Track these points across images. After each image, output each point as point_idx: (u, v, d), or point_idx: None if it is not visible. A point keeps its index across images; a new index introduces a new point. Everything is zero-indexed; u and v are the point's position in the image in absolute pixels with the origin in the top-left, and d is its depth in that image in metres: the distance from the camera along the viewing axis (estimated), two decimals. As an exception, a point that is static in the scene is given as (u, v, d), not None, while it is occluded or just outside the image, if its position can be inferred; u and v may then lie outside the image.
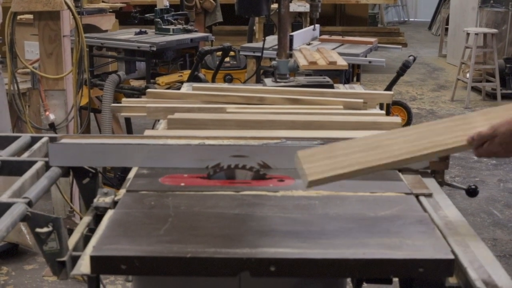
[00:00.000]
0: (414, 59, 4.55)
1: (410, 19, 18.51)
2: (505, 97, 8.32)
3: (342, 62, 3.82)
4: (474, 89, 8.58)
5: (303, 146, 2.04)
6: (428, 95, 8.84)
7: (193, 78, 4.55)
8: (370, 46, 5.08)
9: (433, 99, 8.62)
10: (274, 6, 3.24)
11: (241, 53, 5.48)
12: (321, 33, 5.69)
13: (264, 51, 3.88)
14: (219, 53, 5.22)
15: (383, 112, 2.69)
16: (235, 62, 6.85)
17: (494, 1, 8.99)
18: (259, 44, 5.42)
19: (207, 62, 6.60)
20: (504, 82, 8.42)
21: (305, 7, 8.21)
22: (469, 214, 4.79)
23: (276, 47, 3.34)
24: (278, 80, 3.26)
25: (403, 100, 7.47)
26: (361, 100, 2.71)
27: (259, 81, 4.87)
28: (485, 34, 8.48)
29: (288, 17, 3.29)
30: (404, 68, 4.41)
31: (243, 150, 2.01)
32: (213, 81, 5.03)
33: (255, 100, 2.74)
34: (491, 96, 8.56)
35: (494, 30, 8.45)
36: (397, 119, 2.47)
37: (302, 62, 3.91)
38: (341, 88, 3.30)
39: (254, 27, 7.81)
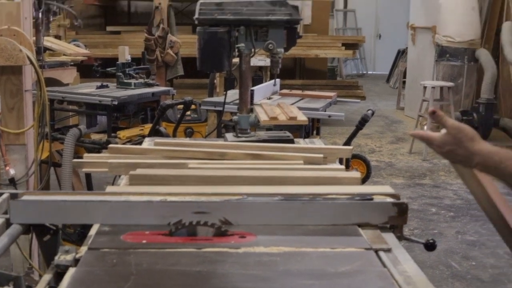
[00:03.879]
0: (373, 113, 4.63)
1: (369, 72, 18.83)
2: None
3: (302, 118, 3.89)
4: (431, 141, 8.72)
5: (264, 202, 2.07)
6: (386, 148, 8.97)
7: (154, 132, 4.57)
8: (330, 100, 5.17)
9: (392, 151, 8.74)
10: (235, 60, 3.29)
11: (202, 107, 5.52)
12: (281, 86, 5.76)
13: (226, 105, 3.92)
14: (181, 106, 5.26)
15: (343, 167, 2.73)
16: (196, 115, 6.89)
17: (450, 55, 9.21)
18: (220, 98, 5.47)
19: (168, 115, 6.63)
20: (462, 134, 8.56)
21: (265, 62, 8.33)
22: (428, 266, 4.84)
23: (237, 101, 3.39)
24: (239, 135, 3.29)
25: (362, 152, 7.58)
26: (321, 155, 2.75)
27: (220, 135, 4.91)
28: (441, 87, 8.67)
29: (249, 72, 3.34)
30: (363, 122, 4.48)
31: (205, 207, 2.03)
32: (174, 134, 5.05)
33: (216, 156, 2.77)
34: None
35: (450, 84, 8.65)
36: (356, 174, 2.51)
37: (263, 117, 3.96)
38: (301, 142, 3.34)
39: (215, 81, 7.88)
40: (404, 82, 12.37)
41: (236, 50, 3.28)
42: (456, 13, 9.09)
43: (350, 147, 2.93)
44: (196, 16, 3.22)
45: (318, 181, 2.45)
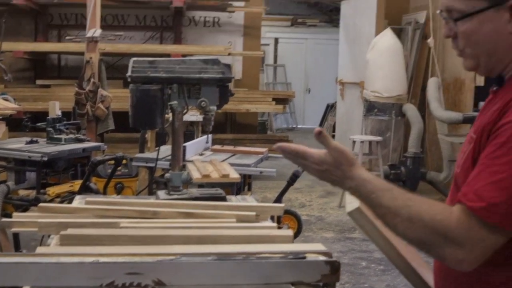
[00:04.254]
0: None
1: (298, 126, 19.06)
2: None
3: (234, 175, 3.91)
4: (361, 195, 8.84)
5: (198, 262, 2.07)
6: (317, 202, 9.05)
7: (85, 188, 4.52)
8: (261, 156, 5.22)
9: (322, 205, 8.82)
10: (168, 116, 3.31)
11: (134, 163, 5.49)
12: (213, 141, 5.80)
13: (157, 161, 3.92)
14: (111, 161, 5.22)
15: (275, 225, 2.75)
16: (126, 170, 6.84)
17: (378, 110, 9.42)
18: (152, 154, 5.46)
19: (99, 170, 6.55)
20: (389, 188, 8.74)
21: (197, 117, 8.36)
22: (360, 320, 4.88)
23: (169, 157, 3.39)
24: (171, 192, 3.29)
25: (293, 207, 7.62)
26: (254, 213, 2.77)
27: (152, 191, 4.88)
28: (370, 142, 8.84)
29: (182, 129, 3.36)
30: (294, 178, 4.54)
31: (138, 267, 2.01)
32: (105, 190, 5.01)
33: (149, 214, 2.76)
34: (377, 202, 8.82)
35: (378, 138, 8.83)
36: (289, 232, 2.53)
37: (195, 174, 3.97)
38: (233, 199, 3.36)
39: (146, 136, 7.86)
40: (333, 136, 12.56)
41: (169, 107, 3.31)
42: (383, 69, 9.34)
43: (282, 205, 2.96)
44: (129, 73, 3.24)
45: (251, 239, 2.46)
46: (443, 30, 1.80)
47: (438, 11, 1.81)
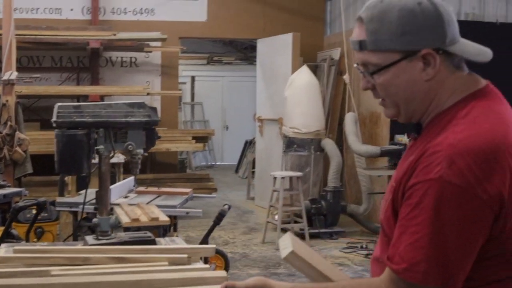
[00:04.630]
0: (229, 208, 4.72)
1: (217, 163, 19.09)
2: (313, 236, 8.72)
3: (164, 218, 3.91)
4: (283, 230, 8.91)
5: (135, 308, 2.06)
6: (240, 238, 9.07)
7: (6, 235, 4.43)
8: (186, 197, 5.22)
9: (245, 242, 8.85)
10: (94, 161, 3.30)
11: (57, 208, 5.40)
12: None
13: (80, 206, 3.88)
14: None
15: (208, 266, 2.77)
16: (46, 214, 6.70)
17: (298, 146, 9.55)
18: (75, 198, 5.38)
19: (18, 215, 6.42)
20: (311, 222, 8.85)
21: (118, 158, 8.29)
22: None
23: (93, 201, 3.37)
24: (99, 237, 3.26)
25: (216, 245, 7.60)
26: (186, 256, 2.78)
27: (76, 236, 4.82)
28: (291, 177, 8.94)
29: (108, 174, 3.35)
30: (220, 217, 4.57)
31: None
32: (27, 236, 4.91)
33: (79, 261, 2.73)
34: (300, 236, 8.91)
35: (299, 173, 8.94)
36: (222, 273, 2.56)
37: (124, 219, 3.95)
38: (162, 242, 3.36)
39: (66, 179, 7.75)
40: (253, 172, 12.63)
41: (95, 151, 3.30)
42: (301, 106, 9.49)
43: (213, 246, 2.98)
44: (54, 119, 3.22)
45: (184, 282, 2.48)
46: (361, 82, 1.87)
47: (355, 65, 1.87)
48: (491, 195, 1.60)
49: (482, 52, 1.77)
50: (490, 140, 1.63)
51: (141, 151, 3.39)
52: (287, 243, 1.89)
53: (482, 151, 1.61)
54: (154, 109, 3.40)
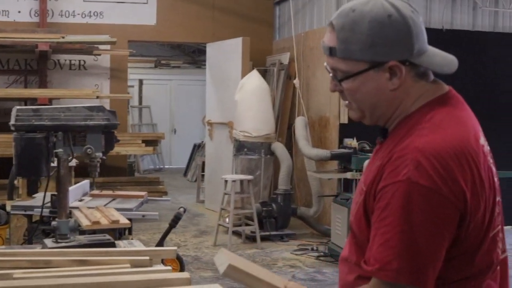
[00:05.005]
0: (185, 211, 4.75)
1: (166, 166, 19.03)
2: (264, 239, 8.79)
3: (124, 221, 3.92)
4: (234, 233, 8.97)
5: (103, 309, 2.09)
6: (191, 241, 9.09)
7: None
8: (142, 200, 5.23)
9: (197, 245, 8.87)
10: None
11: (12, 212, 5.35)
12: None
13: (36, 209, 3.87)
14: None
15: (170, 268, 2.79)
16: (-6, 218, 6.64)
17: (248, 149, 9.61)
18: (28, 202, 5.33)
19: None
20: (262, 224, 8.92)
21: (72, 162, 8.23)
22: None
23: (48, 204, 3.37)
24: (59, 240, 3.26)
25: (169, 248, 7.60)
26: (147, 258, 2.80)
27: (31, 240, 4.77)
28: (242, 181, 8.99)
29: (67, 177, 3.36)
30: (176, 220, 4.59)
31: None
32: (-21, 241, 4.85)
33: (41, 264, 2.73)
34: (251, 239, 8.99)
35: (250, 177, 9.00)
36: (185, 274, 2.59)
37: (84, 222, 3.95)
38: (121, 245, 3.38)
39: (16, 182, 7.65)
40: (203, 176, 12.65)
41: (54, 155, 3.30)
42: (251, 110, 9.55)
43: (174, 248, 3.01)
44: (13, 122, 3.21)
45: (149, 284, 2.50)
46: (330, 85, 1.93)
47: (325, 64, 1.93)
48: (456, 195, 1.68)
49: (448, 63, 1.84)
50: (454, 144, 1.72)
51: (100, 154, 3.41)
52: (222, 259, 1.90)
53: (446, 154, 1.69)
54: (113, 113, 3.42)
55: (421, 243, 1.67)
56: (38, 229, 4.90)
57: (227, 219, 9.05)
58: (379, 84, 1.82)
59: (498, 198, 1.81)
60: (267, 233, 8.92)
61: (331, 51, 1.85)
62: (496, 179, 1.82)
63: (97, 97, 10.36)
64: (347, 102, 1.92)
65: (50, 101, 10.20)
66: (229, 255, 1.94)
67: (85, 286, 2.44)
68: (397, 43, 1.78)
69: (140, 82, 18.94)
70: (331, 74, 1.89)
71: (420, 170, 1.67)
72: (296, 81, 10.10)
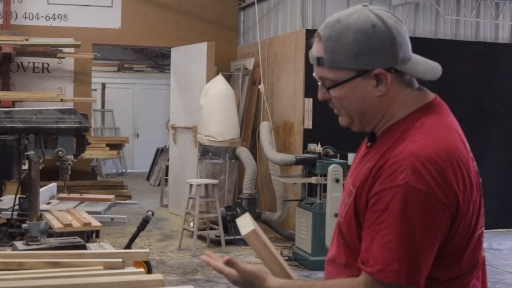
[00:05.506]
0: (153, 214, 4.76)
1: (128, 170, 18.93)
2: (229, 243, 8.82)
3: (96, 223, 3.93)
4: (199, 237, 8.98)
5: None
6: (156, 245, 9.07)
7: None
8: (109, 203, 5.23)
9: (161, 249, 8.86)
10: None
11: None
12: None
13: (3, 212, 3.87)
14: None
15: (143, 270, 2.82)
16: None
17: (213, 154, 9.63)
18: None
19: None
20: (226, 228, 8.95)
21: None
22: None
23: (16, 207, 3.37)
24: (30, 242, 3.26)
25: (134, 252, 7.58)
26: (120, 260, 2.82)
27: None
28: (206, 185, 9.01)
29: (38, 179, 3.36)
30: (145, 223, 4.60)
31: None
32: None
33: (14, 266, 2.74)
34: (215, 243, 9.01)
35: (215, 181, 9.02)
36: (159, 276, 2.62)
37: (56, 224, 3.95)
38: (91, 247, 3.39)
39: (-21, 185, 7.59)
40: (166, 180, 12.62)
41: (26, 157, 3.30)
42: (216, 114, 9.58)
43: (147, 250, 3.03)
44: (-16, 124, 3.20)
45: (123, 285, 2.52)
46: (318, 93, 1.99)
47: (313, 74, 1.99)
48: (450, 199, 1.76)
49: (431, 70, 1.92)
50: (446, 149, 1.80)
51: (71, 157, 3.42)
52: (247, 222, 1.99)
53: (440, 159, 1.77)
54: (84, 116, 3.43)
55: (418, 244, 1.74)
56: (1, 232, 4.88)
57: (191, 223, 9.06)
58: (366, 91, 1.89)
59: (482, 200, 1.89)
60: (232, 237, 8.95)
61: (319, 61, 1.91)
62: (480, 180, 1.90)
63: (61, 100, 10.29)
64: (336, 109, 1.98)
65: (13, 103, 10.13)
66: (253, 221, 2.00)
67: (60, 287, 2.46)
68: (382, 52, 1.85)
69: (103, 85, 18.83)
70: (319, 83, 1.95)
71: (417, 175, 1.75)
72: (261, 86, 10.16)
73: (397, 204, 1.74)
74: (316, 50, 1.93)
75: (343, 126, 2.02)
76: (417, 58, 1.92)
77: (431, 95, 1.96)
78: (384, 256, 1.75)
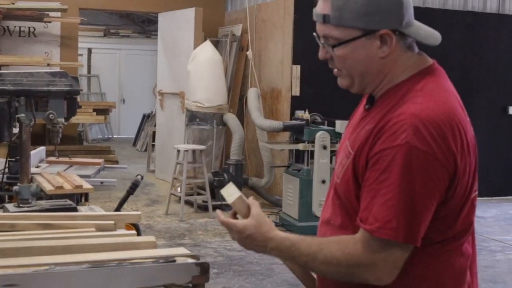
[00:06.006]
0: (142, 178, 4.78)
1: (114, 136, 18.91)
2: (216, 208, 8.83)
3: (87, 186, 3.94)
4: (186, 202, 9.02)
5: (74, 271, 2.13)
6: (143, 210, 9.10)
7: None
8: (99, 167, 5.24)
9: (149, 214, 8.90)
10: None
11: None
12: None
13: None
14: None
15: (135, 232, 2.84)
16: None
17: (200, 120, 9.63)
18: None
19: None
20: (213, 194, 8.98)
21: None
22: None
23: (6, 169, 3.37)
24: (21, 205, 3.28)
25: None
26: (112, 222, 2.84)
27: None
28: (194, 151, 9.03)
29: (29, 142, 3.36)
30: (134, 187, 4.62)
31: (14, 279, 2.05)
32: None
33: (6, 227, 2.75)
34: (202, 208, 9.06)
35: (202, 147, 9.04)
36: (151, 238, 2.64)
37: (47, 186, 3.95)
38: (82, 210, 3.41)
39: (-34, 149, 7.57)
40: (153, 146, 12.62)
41: (16, 120, 3.30)
42: (204, 80, 9.56)
43: (139, 213, 3.05)
44: (-25, 87, 3.20)
45: (116, 247, 2.54)
46: (320, 52, 2.00)
47: (314, 34, 2.00)
48: (448, 160, 1.79)
49: (432, 35, 1.95)
50: (446, 111, 1.83)
51: (62, 120, 3.42)
52: (231, 190, 2.00)
53: (441, 120, 1.80)
54: (75, 79, 3.43)
55: (417, 203, 1.77)
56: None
57: (179, 189, 9.09)
58: (369, 51, 1.90)
59: (477, 164, 1.93)
60: (219, 202, 8.96)
61: (325, 18, 1.91)
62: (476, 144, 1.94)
63: (48, 65, 10.26)
64: (336, 69, 1.99)
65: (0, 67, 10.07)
66: (237, 189, 2.02)
67: (52, 249, 2.47)
68: (389, 13, 1.87)
69: (89, 51, 18.73)
70: (322, 42, 1.96)
71: (418, 135, 1.77)
72: (249, 53, 10.14)
73: (398, 163, 1.77)
74: (322, 7, 1.93)
75: (342, 88, 2.03)
76: (418, 24, 1.95)
77: (430, 60, 1.99)
78: (384, 214, 1.77)
